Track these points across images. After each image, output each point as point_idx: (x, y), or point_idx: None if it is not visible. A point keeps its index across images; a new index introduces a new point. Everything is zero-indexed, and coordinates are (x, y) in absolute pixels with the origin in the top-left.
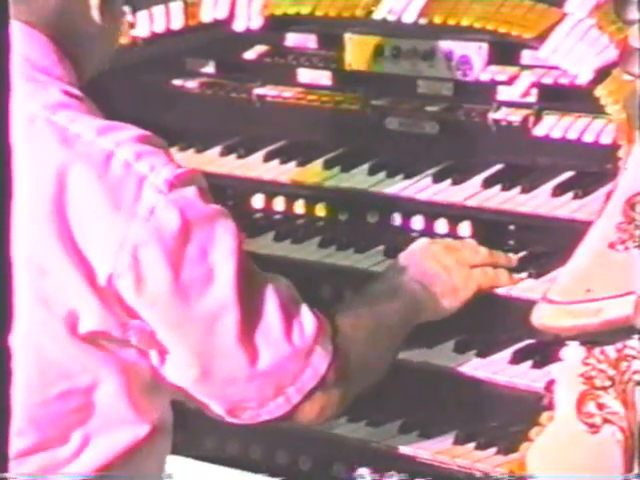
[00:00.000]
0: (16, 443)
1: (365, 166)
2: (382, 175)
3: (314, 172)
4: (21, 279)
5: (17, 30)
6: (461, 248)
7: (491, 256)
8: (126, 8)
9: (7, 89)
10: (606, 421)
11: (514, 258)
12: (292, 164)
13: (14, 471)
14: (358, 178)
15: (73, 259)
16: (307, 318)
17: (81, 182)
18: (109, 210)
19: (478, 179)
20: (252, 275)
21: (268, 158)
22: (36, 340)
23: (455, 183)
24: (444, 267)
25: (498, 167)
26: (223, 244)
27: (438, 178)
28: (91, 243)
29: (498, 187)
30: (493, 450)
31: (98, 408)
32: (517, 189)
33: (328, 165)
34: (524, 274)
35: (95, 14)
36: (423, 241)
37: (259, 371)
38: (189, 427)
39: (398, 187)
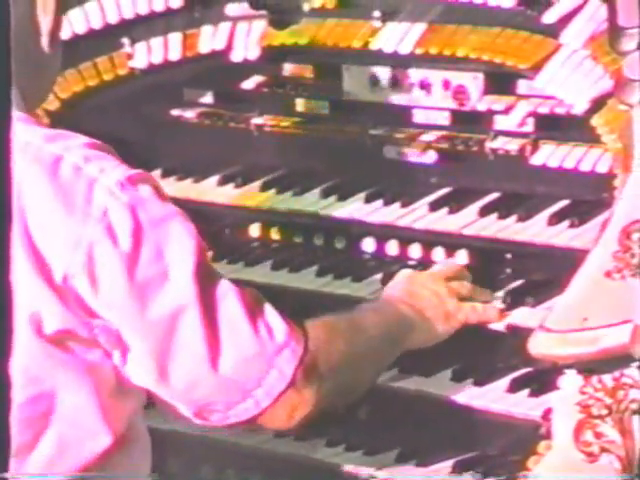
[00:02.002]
0: None
1: (362, 195)
2: (379, 203)
3: (311, 201)
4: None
5: None
6: (448, 279)
7: (474, 290)
8: (125, 40)
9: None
10: (604, 450)
11: (495, 295)
12: (289, 193)
13: None
14: (354, 206)
15: (32, 260)
16: (275, 321)
17: (35, 185)
18: (62, 213)
19: (475, 208)
20: (213, 277)
21: (265, 187)
22: None
23: (452, 212)
24: (434, 292)
25: (495, 196)
26: (179, 243)
27: (435, 207)
28: (48, 243)
29: (495, 216)
30: None
31: (64, 411)
32: (513, 218)
33: (324, 194)
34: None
35: (45, 41)
36: (408, 270)
37: (222, 372)
38: (185, 455)
39: (395, 215)
